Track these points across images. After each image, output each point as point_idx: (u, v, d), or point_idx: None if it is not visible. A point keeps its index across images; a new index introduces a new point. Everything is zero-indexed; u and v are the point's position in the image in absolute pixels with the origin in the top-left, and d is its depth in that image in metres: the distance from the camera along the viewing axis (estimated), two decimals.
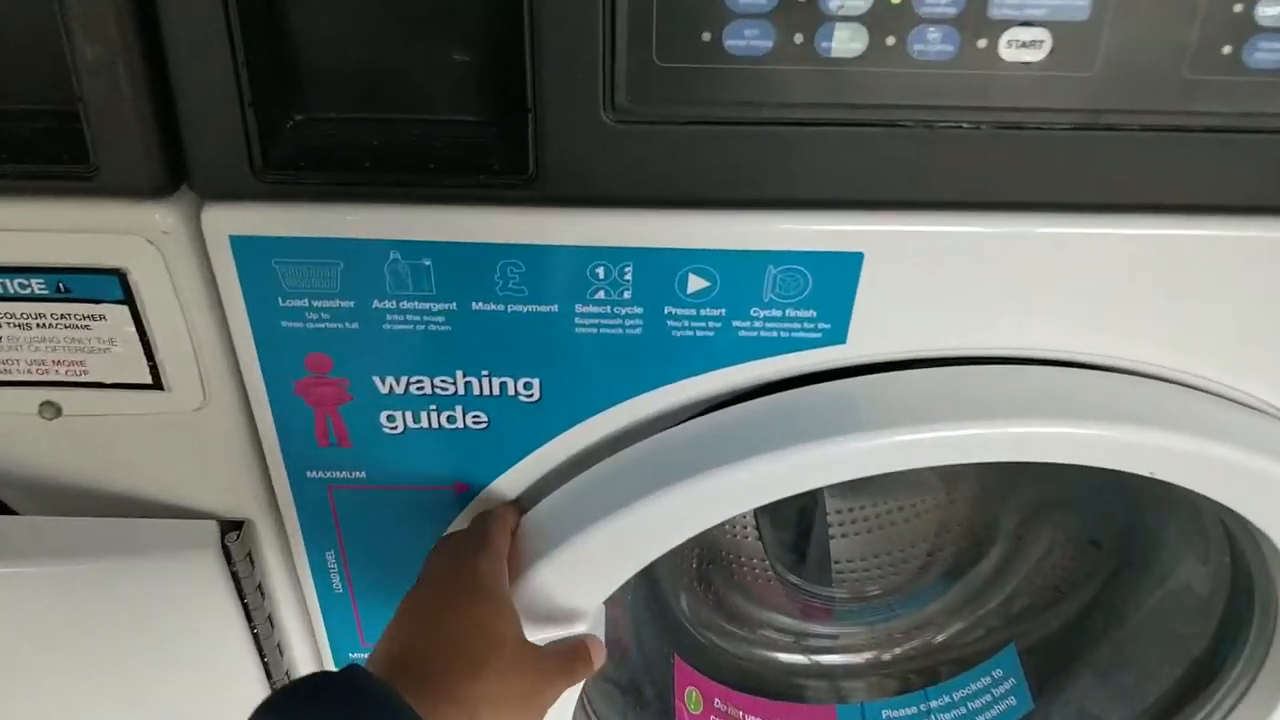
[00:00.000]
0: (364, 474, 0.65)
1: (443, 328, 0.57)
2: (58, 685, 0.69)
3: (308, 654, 0.76)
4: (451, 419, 0.62)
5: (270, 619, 0.71)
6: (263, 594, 0.69)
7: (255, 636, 0.70)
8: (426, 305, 0.57)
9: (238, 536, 0.65)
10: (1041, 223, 0.56)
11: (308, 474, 0.64)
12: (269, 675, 0.73)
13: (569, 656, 0.61)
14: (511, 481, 0.65)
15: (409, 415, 0.62)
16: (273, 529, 0.68)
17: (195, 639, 0.69)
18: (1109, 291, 0.58)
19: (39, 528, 0.64)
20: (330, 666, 0.76)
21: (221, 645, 0.69)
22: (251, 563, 0.67)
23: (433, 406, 0.61)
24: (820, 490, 1.06)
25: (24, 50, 0.51)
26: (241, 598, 0.67)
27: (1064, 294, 0.58)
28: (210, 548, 0.64)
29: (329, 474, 0.64)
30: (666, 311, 0.57)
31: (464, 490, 0.66)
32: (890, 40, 0.49)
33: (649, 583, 0.98)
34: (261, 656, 0.71)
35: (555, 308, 0.57)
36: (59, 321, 0.57)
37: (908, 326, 0.59)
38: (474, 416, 0.62)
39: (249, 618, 0.69)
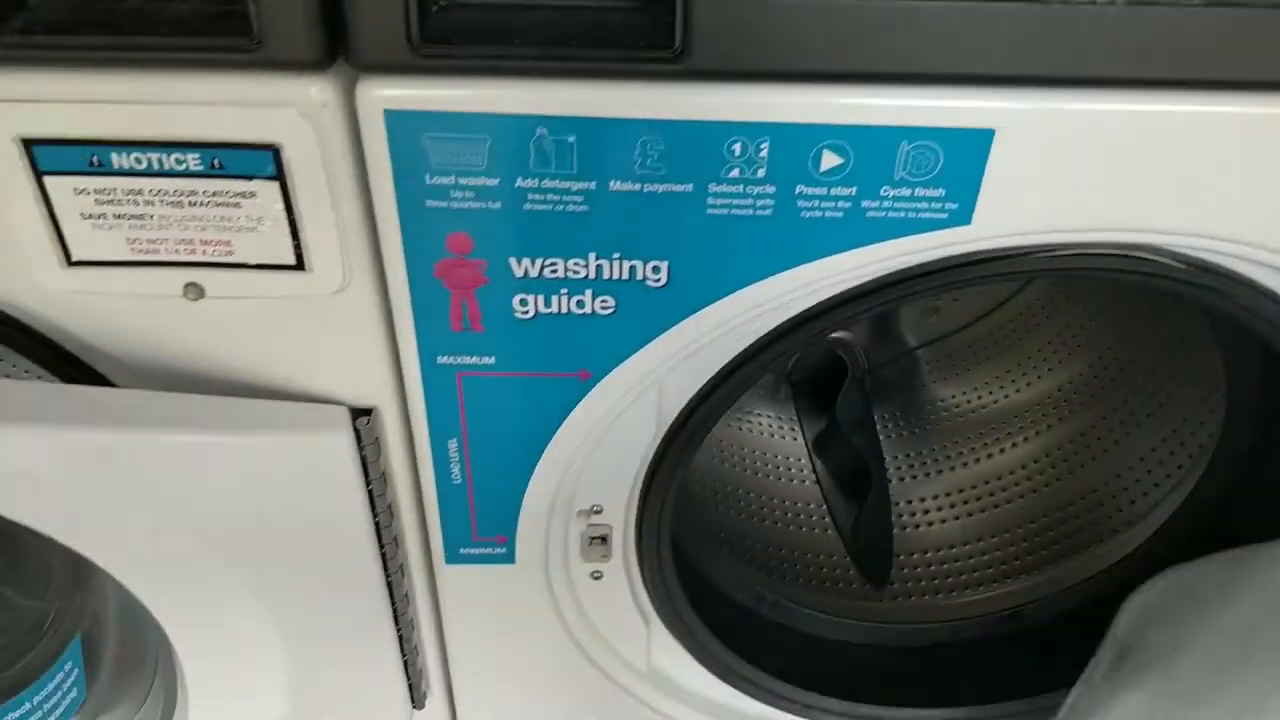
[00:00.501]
0: (493, 360, 0.66)
1: (580, 208, 0.59)
2: (180, 560, 0.71)
3: (418, 546, 0.78)
4: (580, 304, 0.64)
5: (391, 509, 0.73)
6: (386, 482, 0.71)
7: (376, 526, 0.72)
8: (567, 185, 0.58)
9: (369, 421, 0.68)
10: (1172, 100, 0.57)
11: (438, 359, 0.66)
12: (385, 569, 0.75)
13: None
14: (635, 368, 0.67)
15: (540, 299, 0.63)
16: (398, 417, 0.70)
17: (319, 526, 0.71)
18: (1245, 174, 0.59)
19: (173, 402, 0.66)
20: (442, 562, 0.78)
21: (344, 534, 0.71)
22: (379, 448, 0.69)
23: (564, 290, 0.63)
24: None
25: None
26: (368, 484, 0.70)
27: (1197, 177, 0.59)
28: (343, 429, 0.66)
29: (459, 359, 0.66)
30: (798, 191, 0.59)
31: (588, 378, 0.68)
32: None
33: None
34: (380, 547, 0.73)
35: (690, 187, 0.59)
36: (211, 199, 0.59)
37: (1033, 209, 0.60)
38: (602, 301, 0.64)
39: (372, 506, 0.71)
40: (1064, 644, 1.00)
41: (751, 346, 0.69)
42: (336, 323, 0.64)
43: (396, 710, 0.84)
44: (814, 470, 1.22)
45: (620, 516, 0.78)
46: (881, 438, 1.24)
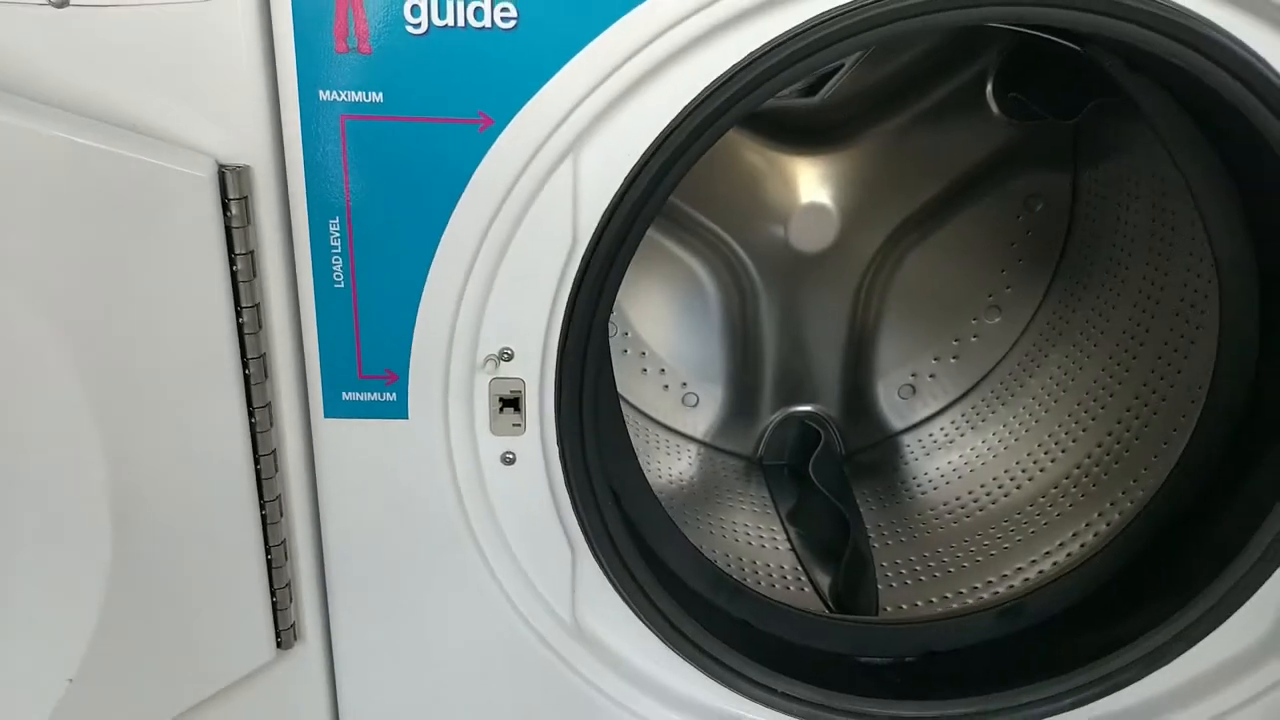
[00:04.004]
0: (381, 96, 0.60)
1: None
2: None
3: (290, 385, 0.66)
4: (479, 13, 0.58)
5: (259, 313, 0.62)
6: (254, 269, 0.61)
7: (240, 330, 0.61)
8: None
9: (237, 174, 0.59)
10: None
11: (320, 94, 0.59)
12: (248, 399, 0.62)
13: None
14: (543, 114, 0.60)
15: (435, 7, 0.58)
16: (274, 182, 0.61)
17: (164, 308, 0.59)
18: None
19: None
20: (320, 415, 0.65)
21: (196, 327, 0.60)
22: (247, 216, 0.60)
23: None
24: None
25: None
26: (231, 263, 0.59)
27: None
28: (204, 174, 0.57)
29: (344, 95, 0.59)
30: None
31: (489, 125, 0.60)
32: None
33: None
34: (243, 362, 0.61)
35: None
36: None
37: None
38: (502, 10, 0.58)
39: (236, 299, 0.60)
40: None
41: (672, 122, 0.63)
42: (209, 44, 0.58)
43: (255, 648, 0.66)
44: (789, 541, 1.09)
45: (535, 369, 0.67)
46: (861, 509, 1.12)
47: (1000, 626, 0.86)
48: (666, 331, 1.15)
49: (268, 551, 0.64)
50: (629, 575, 0.72)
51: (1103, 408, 1.01)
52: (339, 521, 0.68)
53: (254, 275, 0.61)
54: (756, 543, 1.06)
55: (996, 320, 1.14)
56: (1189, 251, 0.92)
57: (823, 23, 0.61)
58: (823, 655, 0.84)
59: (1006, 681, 0.80)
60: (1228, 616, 0.74)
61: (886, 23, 0.62)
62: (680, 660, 0.75)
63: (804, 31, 0.61)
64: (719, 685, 0.76)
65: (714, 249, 1.12)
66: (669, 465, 1.15)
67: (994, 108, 1.03)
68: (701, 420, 1.17)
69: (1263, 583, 0.74)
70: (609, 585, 0.73)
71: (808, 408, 1.18)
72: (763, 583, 1.00)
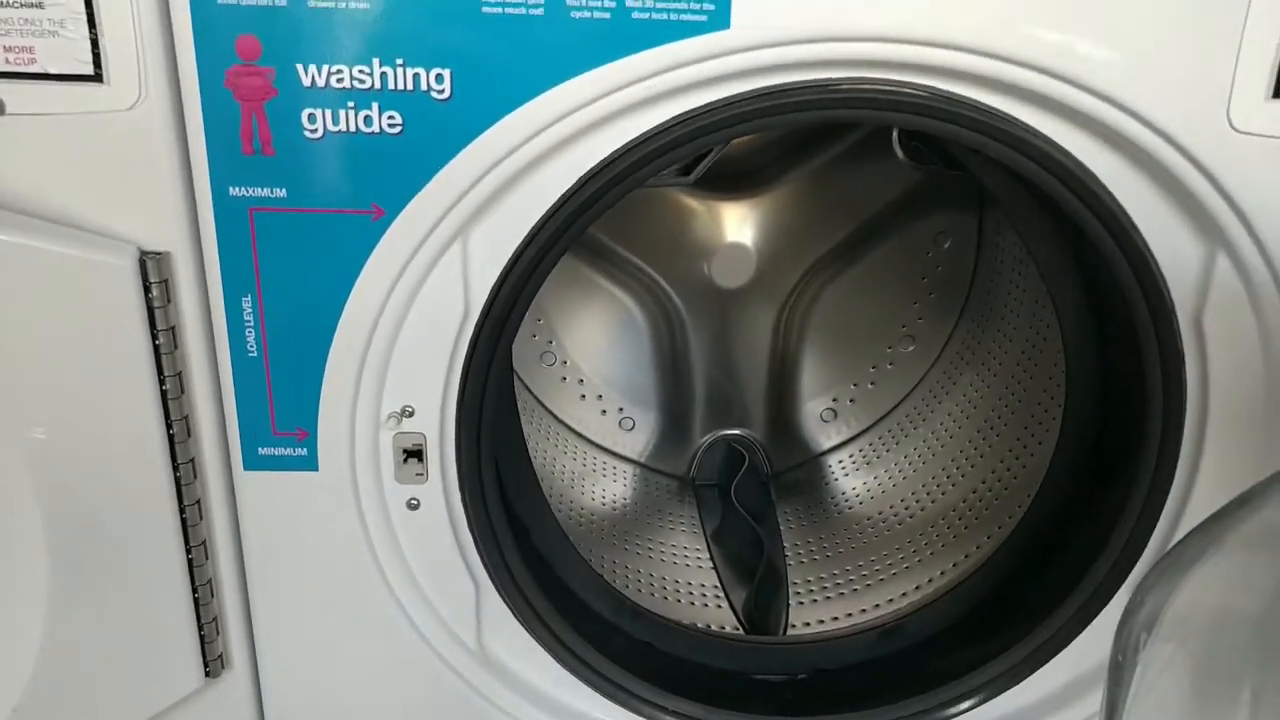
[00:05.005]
0: (285, 192, 0.67)
1: (361, 4, 0.63)
2: None
3: (214, 437, 0.73)
4: (368, 120, 0.66)
5: (181, 381, 0.70)
6: (175, 342, 0.69)
7: (163, 398, 0.69)
8: None
9: (158, 259, 0.67)
10: None
11: (230, 190, 0.67)
12: (174, 461, 0.70)
13: None
14: (430, 204, 0.67)
15: (329, 115, 0.65)
16: (192, 266, 0.69)
17: (93, 385, 0.67)
18: None
19: None
20: (240, 467, 0.73)
21: (123, 398, 0.67)
22: (168, 295, 0.68)
23: (350, 104, 0.65)
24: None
25: None
26: (154, 338, 0.67)
27: None
28: (127, 260, 0.65)
29: (251, 190, 0.67)
30: None
31: (381, 215, 0.68)
32: None
33: None
34: (167, 426, 0.69)
35: None
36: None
37: (786, 6, 0.64)
38: (389, 118, 0.66)
39: (159, 371, 0.68)
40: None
41: (550, 209, 0.70)
42: (133, 147, 0.66)
43: (185, 676, 0.74)
44: (712, 559, 1.16)
45: (435, 423, 0.74)
46: (782, 528, 1.19)
47: (882, 645, 0.94)
48: (602, 360, 1.22)
49: (194, 590, 0.72)
50: (528, 606, 0.80)
51: (998, 435, 1.08)
52: (261, 562, 0.76)
53: (175, 347, 0.69)
54: (682, 562, 1.14)
55: (911, 349, 1.21)
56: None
57: (682, 122, 0.68)
58: (720, 673, 0.92)
59: (882, 697, 0.88)
60: (1070, 641, 0.82)
61: (740, 122, 0.69)
62: (578, 682, 0.82)
63: (663, 131, 0.68)
64: (615, 705, 0.83)
65: (643, 285, 1.19)
66: (607, 487, 1.21)
67: (900, 154, 1.10)
68: (638, 442, 1.24)
69: (1099, 612, 0.82)
70: (511, 616, 0.80)
71: (735, 431, 1.24)
72: (684, 600, 1.08)
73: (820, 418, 1.25)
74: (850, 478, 1.22)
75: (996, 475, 1.05)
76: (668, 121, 0.68)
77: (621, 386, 1.22)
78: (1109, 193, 0.70)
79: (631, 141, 0.68)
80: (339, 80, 0.65)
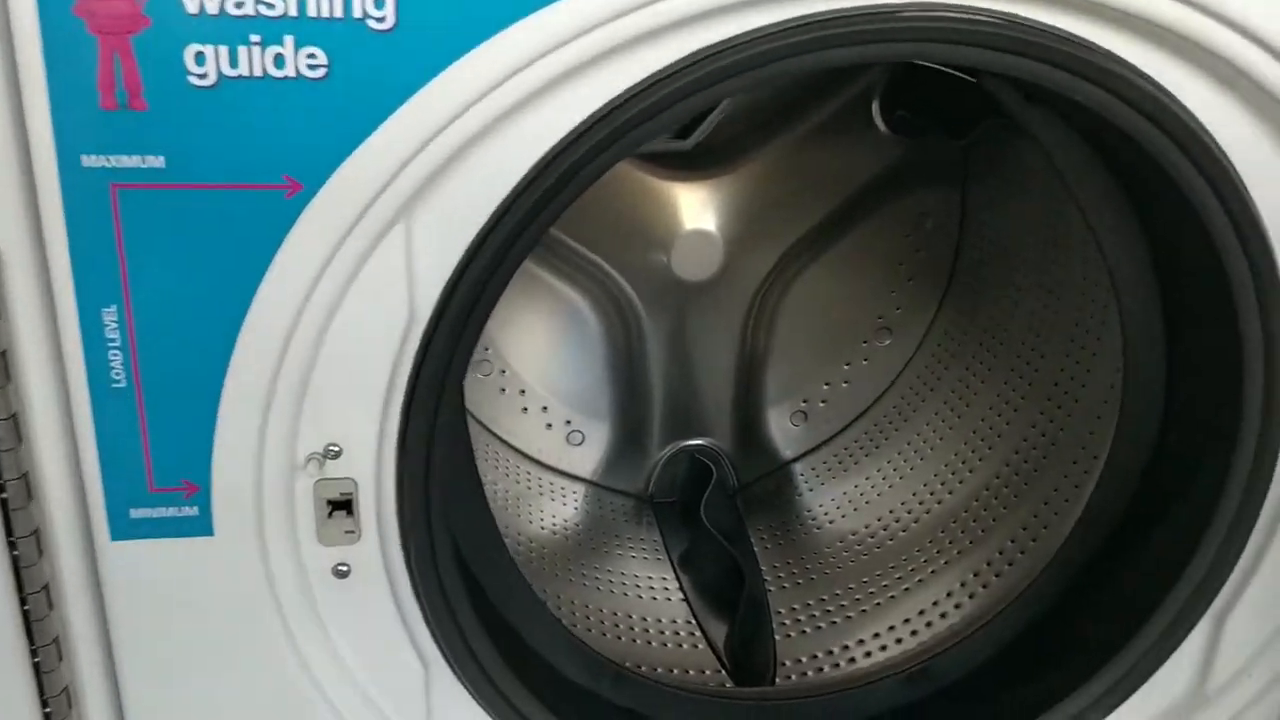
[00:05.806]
0: (162, 162, 0.49)
1: None
2: None
3: (67, 510, 0.55)
4: (280, 60, 0.49)
5: (17, 426, 0.51)
6: (8, 376, 0.50)
7: None
8: None
9: None
10: None
11: (83, 160, 0.49)
12: (9, 540, 0.51)
13: None
14: (362, 177, 0.51)
15: (224, 54, 0.48)
16: (30, 267, 0.50)
17: None
18: None
19: None
20: (105, 537, 0.55)
21: None
22: None
23: (255, 37, 0.48)
24: None
25: None
26: None
27: None
28: None
29: (113, 160, 0.49)
30: None
31: (298, 191, 0.51)
32: None
33: None
34: None
35: None
36: None
37: None
38: (309, 56, 0.49)
39: None
40: None
41: (521, 181, 0.54)
42: None
43: None
44: (680, 589, 1.03)
45: (370, 465, 0.58)
46: (756, 549, 1.07)
47: (908, 692, 0.81)
48: (547, 367, 1.08)
49: (44, 704, 0.54)
50: (491, 686, 0.64)
51: (999, 436, 0.97)
52: (137, 660, 0.58)
53: (8, 381, 0.50)
54: (648, 595, 1.00)
55: (887, 342, 1.11)
56: (1082, 275, 0.88)
57: (697, 62, 0.54)
58: None
59: None
60: (1148, 677, 0.72)
61: (763, 64, 0.54)
62: None
63: (676, 73, 0.54)
64: None
65: (594, 279, 1.05)
66: (554, 510, 1.08)
67: (881, 125, 0.98)
68: (588, 458, 1.11)
69: (1179, 644, 0.71)
70: (470, 697, 0.64)
71: (699, 441, 1.13)
72: (654, 641, 0.94)
73: (790, 421, 1.13)
74: (826, 487, 1.11)
75: (1002, 481, 0.94)
76: (680, 61, 0.53)
77: (569, 396, 1.09)
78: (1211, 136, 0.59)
79: (634, 87, 0.53)
80: (238, 5, 0.47)
